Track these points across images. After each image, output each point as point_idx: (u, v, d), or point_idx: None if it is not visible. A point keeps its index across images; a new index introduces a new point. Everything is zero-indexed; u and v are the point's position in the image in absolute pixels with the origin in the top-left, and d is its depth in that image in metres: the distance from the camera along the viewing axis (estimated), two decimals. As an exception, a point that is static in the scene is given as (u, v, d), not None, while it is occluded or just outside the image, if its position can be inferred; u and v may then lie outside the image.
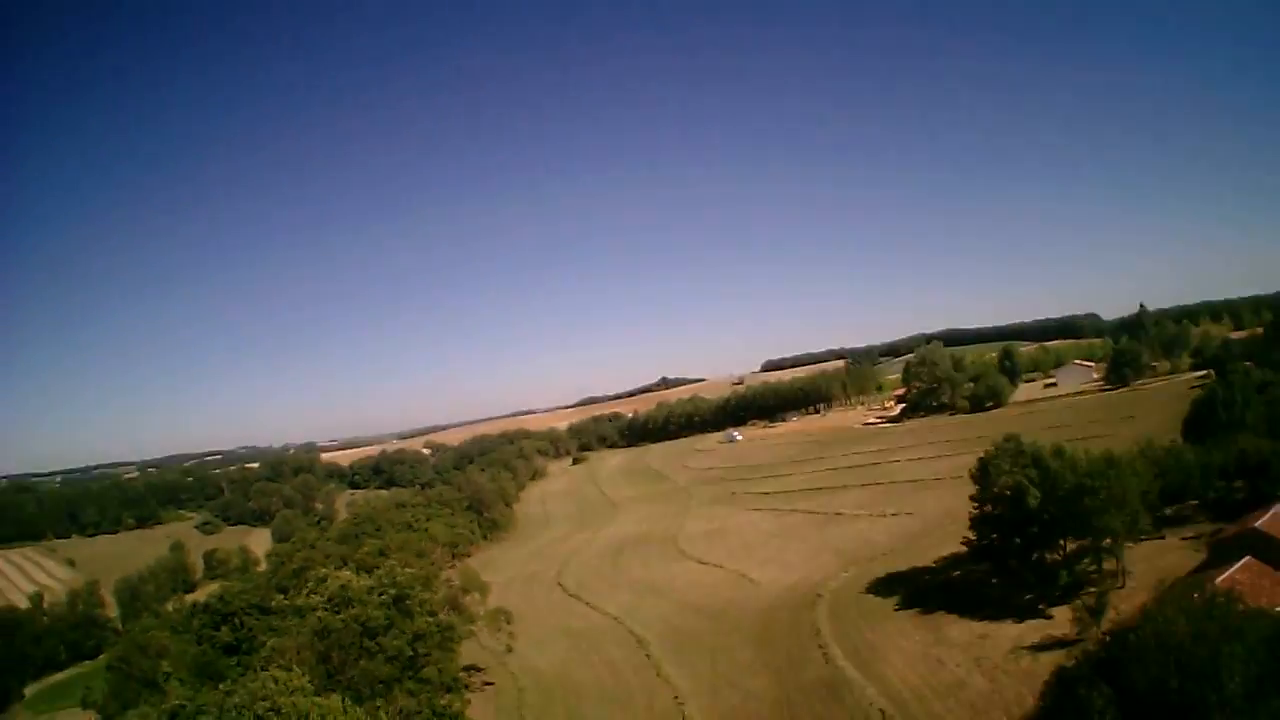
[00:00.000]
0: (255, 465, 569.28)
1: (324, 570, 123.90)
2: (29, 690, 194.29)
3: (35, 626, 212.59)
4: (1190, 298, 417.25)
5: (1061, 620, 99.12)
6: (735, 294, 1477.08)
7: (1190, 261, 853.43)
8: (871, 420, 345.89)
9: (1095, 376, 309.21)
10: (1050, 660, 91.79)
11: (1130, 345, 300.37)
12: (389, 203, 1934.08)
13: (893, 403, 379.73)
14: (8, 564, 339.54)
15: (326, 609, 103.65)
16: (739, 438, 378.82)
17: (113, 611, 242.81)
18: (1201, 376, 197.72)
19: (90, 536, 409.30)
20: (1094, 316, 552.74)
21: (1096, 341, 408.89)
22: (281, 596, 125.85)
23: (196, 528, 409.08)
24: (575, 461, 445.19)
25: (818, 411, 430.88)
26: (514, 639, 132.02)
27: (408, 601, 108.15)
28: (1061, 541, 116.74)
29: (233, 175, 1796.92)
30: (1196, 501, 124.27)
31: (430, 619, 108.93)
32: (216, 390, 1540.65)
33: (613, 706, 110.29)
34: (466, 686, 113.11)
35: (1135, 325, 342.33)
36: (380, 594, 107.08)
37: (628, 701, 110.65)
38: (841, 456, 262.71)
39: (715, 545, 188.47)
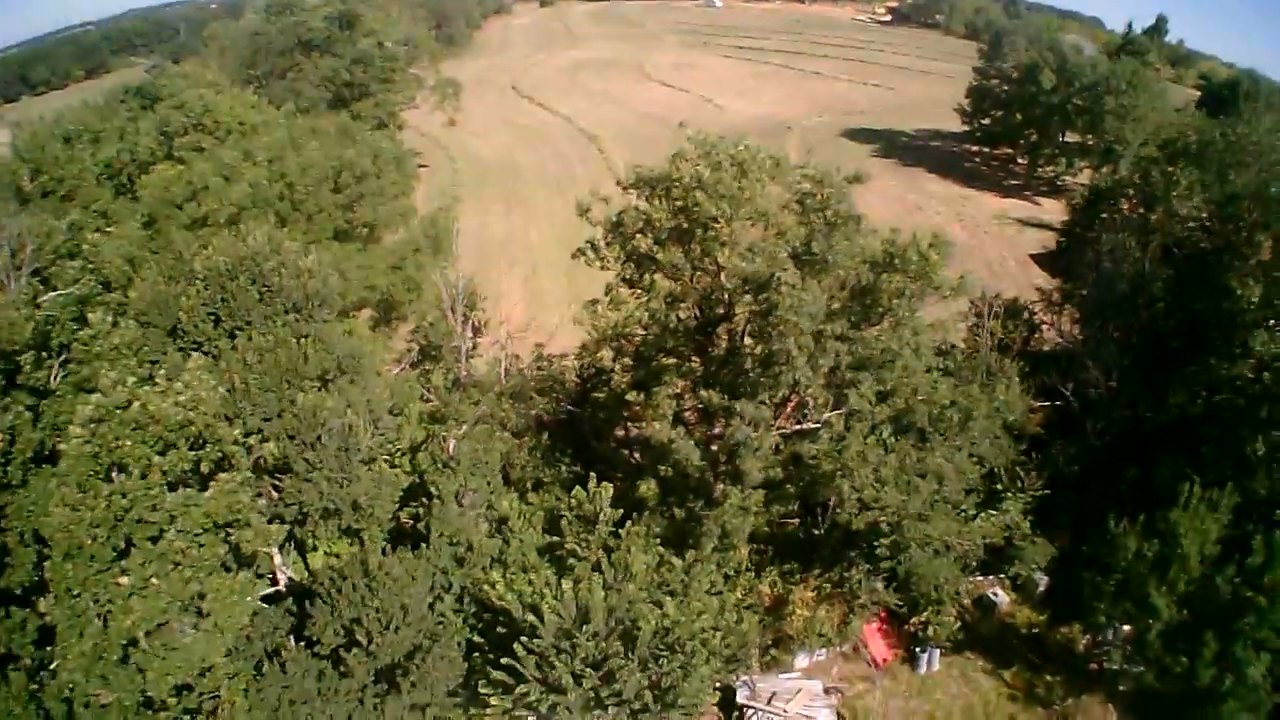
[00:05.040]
0: (215, 7, 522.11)
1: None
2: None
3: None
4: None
5: (1050, 209, 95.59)
6: None
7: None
8: (862, 18, 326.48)
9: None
10: (1037, 237, 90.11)
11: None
12: None
13: (884, 9, 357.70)
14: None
15: (264, 15, 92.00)
16: (719, 4, 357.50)
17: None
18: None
19: (40, 95, 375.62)
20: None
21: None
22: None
23: (145, 72, 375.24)
24: (542, 4, 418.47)
25: (802, 1, 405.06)
26: (458, 114, 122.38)
27: (353, 28, 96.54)
28: (1061, 137, 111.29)
29: None
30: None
31: (373, 42, 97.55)
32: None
33: (552, 188, 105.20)
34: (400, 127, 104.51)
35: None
36: (325, 6, 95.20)
37: (569, 184, 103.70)
38: (825, 35, 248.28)
39: (683, 75, 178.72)
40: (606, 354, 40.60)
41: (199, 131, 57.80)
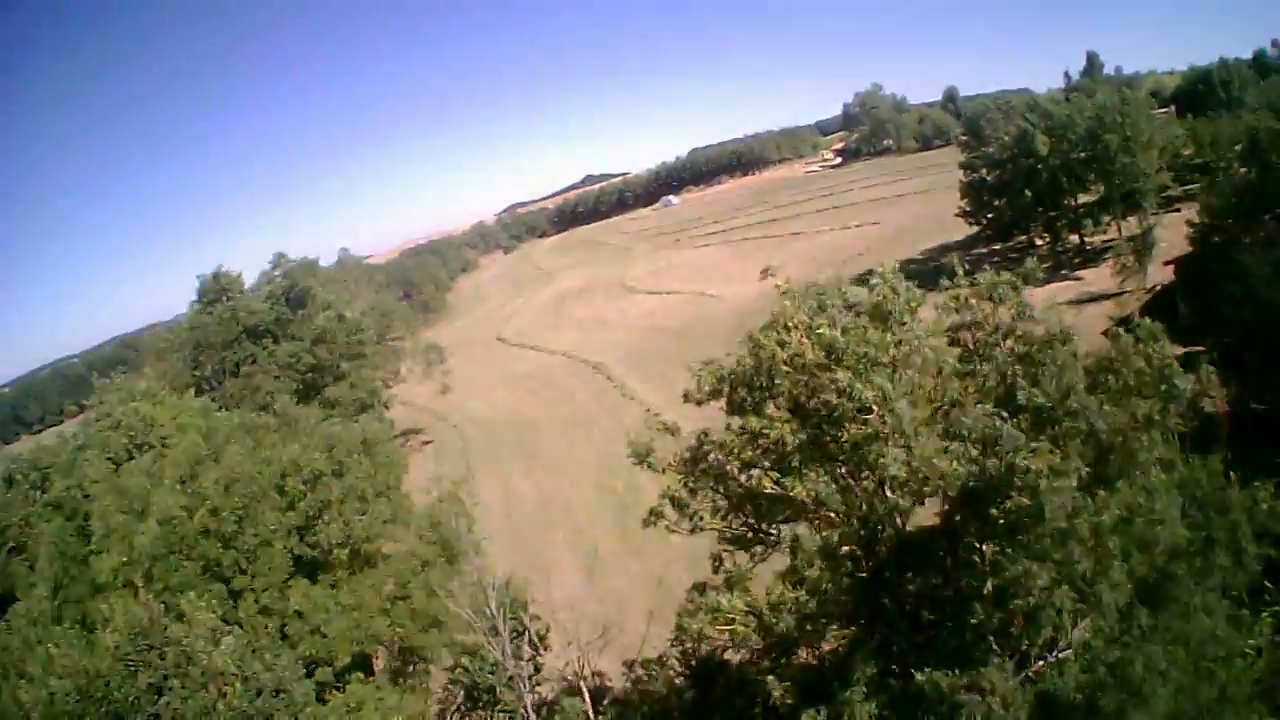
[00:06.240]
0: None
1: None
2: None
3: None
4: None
5: (1094, 280, 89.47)
6: (656, 84, 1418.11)
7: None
8: (814, 169, 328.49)
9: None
10: (1098, 312, 79.27)
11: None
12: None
13: (831, 154, 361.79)
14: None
15: (199, 306, 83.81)
16: (676, 201, 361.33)
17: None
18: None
19: (36, 434, 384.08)
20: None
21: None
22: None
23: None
24: (506, 251, 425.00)
25: (751, 175, 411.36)
26: (449, 377, 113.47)
27: (304, 305, 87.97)
28: (1072, 202, 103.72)
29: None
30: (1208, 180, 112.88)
31: (332, 315, 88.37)
32: (144, 267, 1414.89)
33: (576, 434, 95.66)
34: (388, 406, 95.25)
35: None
36: (267, 285, 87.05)
37: (591, 426, 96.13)
38: (789, 198, 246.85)
39: (665, 279, 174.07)
40: (716, 632, 27.80)
41: (142, 451, 46.75)
